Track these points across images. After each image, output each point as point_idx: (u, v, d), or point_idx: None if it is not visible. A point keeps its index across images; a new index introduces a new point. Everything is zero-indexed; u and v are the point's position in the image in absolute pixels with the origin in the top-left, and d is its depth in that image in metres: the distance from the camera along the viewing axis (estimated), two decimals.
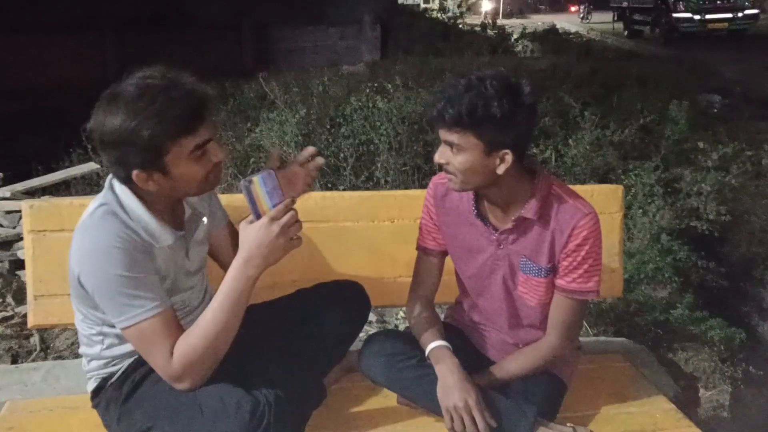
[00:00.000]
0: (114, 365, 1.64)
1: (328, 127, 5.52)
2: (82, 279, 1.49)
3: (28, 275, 1.83)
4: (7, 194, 3.44)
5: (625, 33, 17.94)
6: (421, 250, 1.89)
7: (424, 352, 1.73)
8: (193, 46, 9.59)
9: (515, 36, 13.45)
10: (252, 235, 1.47)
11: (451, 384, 1.63)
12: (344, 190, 4.78)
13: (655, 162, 4.61)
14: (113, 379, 1.64)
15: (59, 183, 3.75)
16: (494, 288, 1.81)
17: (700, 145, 4.91)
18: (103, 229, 1.49)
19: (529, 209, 1.69)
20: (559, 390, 1.79)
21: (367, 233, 2.05)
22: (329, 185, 5.06)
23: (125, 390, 1.61)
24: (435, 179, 1.86)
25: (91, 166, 4.16)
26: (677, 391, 2.46)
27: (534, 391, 1.72)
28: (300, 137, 5.29)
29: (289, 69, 8.07)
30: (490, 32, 13.30)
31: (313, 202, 2.00)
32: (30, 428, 1.70)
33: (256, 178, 1.46)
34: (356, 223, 2.04)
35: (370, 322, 3.08)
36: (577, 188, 2.21)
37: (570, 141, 4.87)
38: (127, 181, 1.51)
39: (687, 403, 2.49)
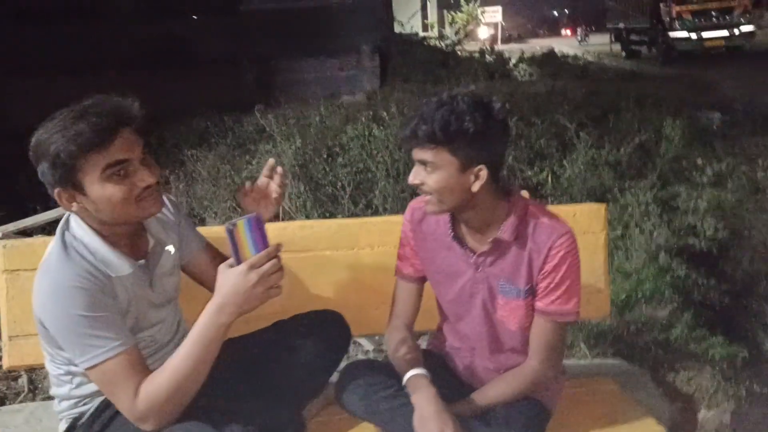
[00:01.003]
0: (84, 404, 1.62)
1: (325, 156, 5.54)
2: (44, 320, 1.49)
3: (2, 316, 1.83)
4: (12, 228, 3.46)
5: (623, 54, 18.04)
6: (400, 276, 1.87)
7: (401, 381, 1.70)
8: (193, 82, 9.70)
9: (513, 61, 13.52)
10: (229, 281, 1.45)
11: (427, 415, 1.59)
12: (342, 218, 4.78)
13: (651, 180, 4.60)
14: (83, 419, 1.62)
15: (52, 222, 3.76)
16: (474, 312, 1.78)
17: (699, 161, 4.89)
18: (61, 270, 1.48)
19: (505, 230, 1.67)
20: (541, 416, 1.75)
21: (347, 261, 2.04)
22: (327, 214, 5.06)
23: (95, 430, 1.59)
24: (412, 204, 1.85)
25: None
26: (673, 413, 2.42)
27: (515, 418, 1.68)
28: (297, 168, 5.31)
29: (289, 101, 8.13)
30: (488, 58, 13.37)
31: (291, 232, 2.00)
32: None
33: (241, 222, 1.43)
34: (336, 251, 2.03)
35: (367, 351, 3.04)
36: (560, 208, 2.21)
37: (565, 162, 4.86)
38: (60, 203, 1.50)
39: (683, 425, 2.44)
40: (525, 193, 1.85)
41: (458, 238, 1.74)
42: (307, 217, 4.98)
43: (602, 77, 11.23)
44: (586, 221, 2.12)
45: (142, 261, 1.62)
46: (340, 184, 5.11)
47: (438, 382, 1.77)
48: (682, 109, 6.67)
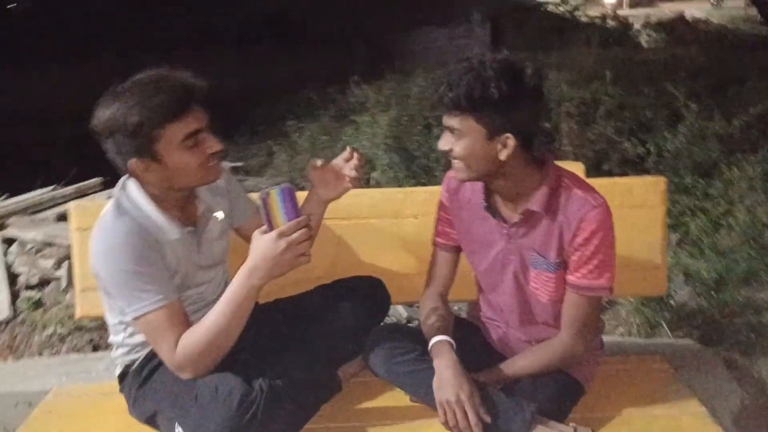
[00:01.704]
0: (136, 352, 1.77)
1: (421, 128, 5.54)
2: (99, 273, 1.63)
3: (75, 270, 2.01)
4: (105, 198, 3.76)
5: (759, 18, 16.56)
6: (436, 245, 1.88)
7: (427, 348, 1.72)
8: (306, 57, 9.92)
9: (637, 26, 12.79)
10: (260, 246, 1.53)
11: (445, 378, 1.61)
12: None
13: (762, 155, 4.28)
14: (134, 366, 1.76)
15: None
16: (506, 283, 1.77)
17: None
18: (114, 228, 1.61)
19: (536, 201, 1.64)
20: (570, 390, 1.72)
21: (391, 230, 2.06)
22: (421, 185, 5.08)
23: (143, 376, 1.73)
24: (449, 173, 1.84)
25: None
26: (742, 399, 2.28)
27: (541, 389, 1.66)
28: (390, 139, 5.36)
29: (399, 72, 8.16)
30: (610, 23, 12.71)
31: (337, 200, 2.04)
32: (66, 412, 1.86)
33: (273, 191, 1.50)
34: (380, 219, 2.06)
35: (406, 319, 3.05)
36: (616, 181, 2.13)
37: (666, 134, 4.61)
38: (130, 173, 1.63)
39: (753, 413, 2.30)
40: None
41: (491, 208, 1.72)
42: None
43: (730, 43, 10.41)
44: (643, 194, 2.03)
45: (191, 228, 1.73)
46: (434, 155, 5.10)
47: (470, 350, 1.78)
48: None
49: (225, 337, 1.60)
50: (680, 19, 14.61)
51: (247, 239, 1.90)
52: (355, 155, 1.79)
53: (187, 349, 1.59)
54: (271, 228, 1.52)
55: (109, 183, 4.04)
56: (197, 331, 1.59)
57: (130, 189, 1.67)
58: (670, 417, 1.72)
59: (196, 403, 1.56)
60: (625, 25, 12.89)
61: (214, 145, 1.63)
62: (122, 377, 1.80)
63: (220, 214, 1.80)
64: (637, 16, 15.56)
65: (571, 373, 1.74)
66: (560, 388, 1.70)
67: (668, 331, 3.11)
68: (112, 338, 1.81)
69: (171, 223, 1.66)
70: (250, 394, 1.54)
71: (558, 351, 1.70)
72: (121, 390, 1.80)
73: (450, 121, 1.59)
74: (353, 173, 1.79)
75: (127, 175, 1.66)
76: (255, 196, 1.91)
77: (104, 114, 1.56)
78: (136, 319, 1.61)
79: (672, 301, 3.33)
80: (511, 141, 1.57)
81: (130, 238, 1.59)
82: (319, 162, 1.81)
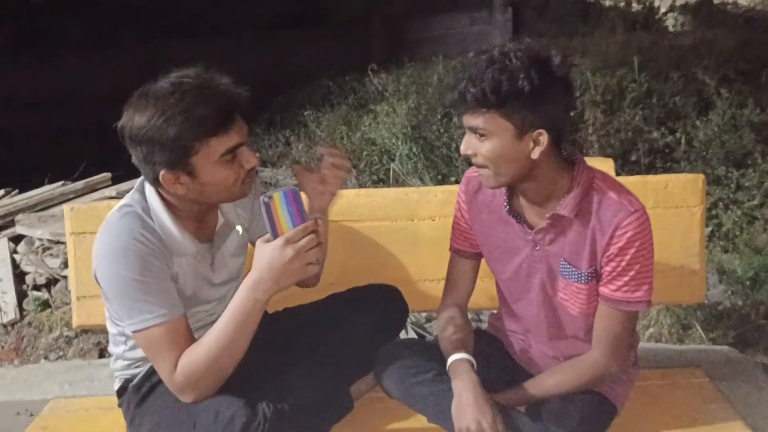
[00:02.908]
0: (137, 367, 1.65)
1: (440, 117, 5.39)
2: (98, 276, 1.51)
3: (71, 277, 1.90)
4: (113, 194, 3.67)
5: None
6: (454, 251, 1.74)
7: (444, 364, 1.59)
8: (324, 45, 9.78)
9: (663, 9, 12.48)
10: (265, 256, 1.39)
11: (465, 403, 1.47)
12: (456, 181, 4.65)
13: None
14: (135, 381, 1.65)
15: None
16: (532, 293, 1.62)
17: None
18: (120, 230, 1.49)
19: (566, 206, 1.49)
20: (603, 412, 1.58)
21: (406, 233, 1.93)
22: (440, 177, 4.95)
23: (141, 393, 1.62)
24: (468, 173, 1.70)
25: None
26: None
27: (571, 412, 1.52)
28: (409, 129, 5.22)
29: (418, 59, 8.00)
30: (635, 6, 12.42)
31: (347, 200, 1.91)
32: (61, 428, 1.76)
33: (277, 194, 1.36)
34: (394, 222, 1.92)
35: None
36: (650, 178, 1.97)
37: (696, 122, 4.41)
38: (155, 182, 1.49)
39: None
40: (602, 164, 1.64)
41: (515, 212, 1.58)
42: (420, 179, 4.90)
43: (761, 26, 10.08)
44: (679, 194, 1.87)
45: (206, 243, 1.60)
46: (454, 145, 4.95)
47: (492, 367, 1.65)
48: None
49: (228, 356, 1.46)
50: (707, 1, 14.26)
51: None
52: (329, 154, 1.66)
53: (186, 371, 1.46)
54: (275, 235, 1.38)
55: (118, 178, 3.95)
56: (197, 350, 1.46)
57: (148, 192, 1.54)
58: None
59: (194, 430, 1.44)
60: (650, 8, 12.60)
61: (252, 159, 1.49)
62: (121, 392, 1.69)
63: (240, 229, 1.67)
64: None
65: (603, 392, 1.59)
66: (591, 411, 1.55)
67: (702, 334, 2.96)
68: (112, 348, 1.70)
69: (185, 237, 1.54)
70: (254, 420, 1.41)
71: (589, 369, 1.55)
72: (120, 405, 1.69)
73: (473, 120, 1.44)
74: (333, 180, 1.65)
75: (149, 182, 1.53)
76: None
77: (138, 119, 1.41)
78: (135, 332, 1.48)
79: (705, 301, 3.18)
80: (543, 137, 1.42)
81: (137, 243, 1.47)
82: (297, 166, 1.68)
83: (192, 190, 1.48)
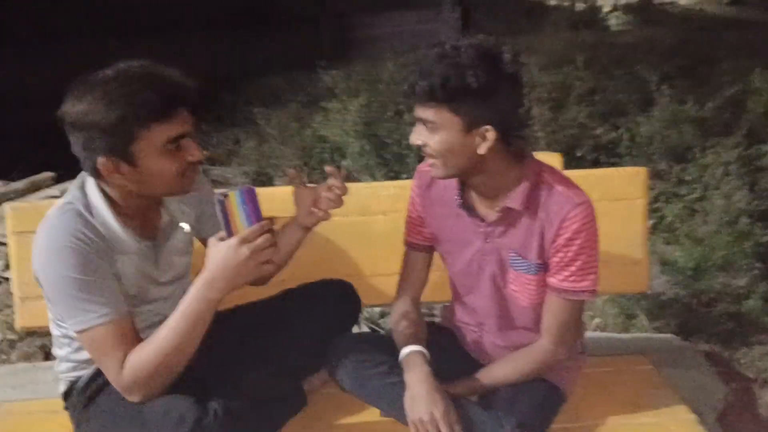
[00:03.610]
0: (82, 369, 1.62)
1: (392, 114, 5.41)
2: (38, 276, 1.47)
3: (13, 278, 1.85)
4: (57, 193, 3.58)
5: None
6: (407, 244, 1.76)
7: (398, 357, 1.60)
8: (272, 42, 9.70)
9: (606, 9, 12.78)
10: (219, 254, 1.38)
11: (417, 394, 1.49)
12: (408, 178, 4.67)
13: (737, 138, 4.22)
14: (80, 383, 1.61)
15: None
16: (483, 285, 1.65)
17: None
18: (60, 228, 1.45)
19: (515, 199, 1.53)
20: (552, 399, 1.62)
21: (358, 228, 1.94)
22: (392, 174, 4.97)
23: (88, 395, 1.59)
24: (420, 167, 1.72)
25: None
26: (727, 395, 2.22)
27: (521, 400, 1.56)
28: (360, 126, 5.22)
29: (367, 57, 8.00)
30: (578, 6, 12.70)
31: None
32: None
33: (233, 193, 1.36)
34: (346, 217, 1.92)
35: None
36: (595, 172, 2.03)
37: (639, 118, 4.54)
38: (95, 173, 1.46)
39: (739, 407, 2.24)
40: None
41: (467, 206, 1.60)
42: (372, 176, 4.91)
43: (698, 25, 10.43)
44: (623, 186, 1.94)
45: (149, 242, 1.57)
46: (405, 142, 4.97)
47: (445, 358, 1.67)
48: None
49: (178, 355, 1.44)
50: (647, 1, 14.64)
51: None
52: (333, 175, 1.61)
53: (135, 370, 1.43)
54: (230, 234, 1.37)
55: (62, 177, 3.85)
56: (146, 348, 1.44)
57: (89, 188, 1.50)
58: (657, 425, 1.63)
59: (142, 430, 1.42)
60: (593, 8, 12.90)
61: (196, 153, 1.47)
62: (67, 395, 1.65)
63: (186, 227, 1.64)
64: None
65: (551, 380, 1.64)
66: (541, 398, 1.60)
67: (646, 323, 3.05)
68: (56, 351, 1.66)
69: (127, 234, 1.50)
70: (204, 418, 1.40)
71: (538, 358, 1.60)
72: (66, 408, 1.65)
73: (423, 113, 1.46)
74: (331, 198, 1.61)
75: (87, 172, 1.49)
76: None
77: (79, 104, 1.39)
78: (79, 333, 1.45)
79: (648, 291, 3.27)
80: (491, 133, 1.45)
81: (77, 241, 1.43)
82: (291, 171, 1.66)
83: (131, 181, 1.45)
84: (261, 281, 1.74)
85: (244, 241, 1.36)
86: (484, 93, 1.41)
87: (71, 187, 1.53)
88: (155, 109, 1.38)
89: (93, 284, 1.43)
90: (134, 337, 1.47)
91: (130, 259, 1.53)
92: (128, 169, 1.43)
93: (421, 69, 1.44)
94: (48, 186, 3.95)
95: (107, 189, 1.49)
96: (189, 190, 1.54)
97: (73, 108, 1.40)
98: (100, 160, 1.41)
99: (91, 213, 1.48)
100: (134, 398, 1.46)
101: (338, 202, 1.62)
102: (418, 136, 1.51)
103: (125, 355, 1.44)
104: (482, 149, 1.46)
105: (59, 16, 8.52)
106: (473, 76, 1.39)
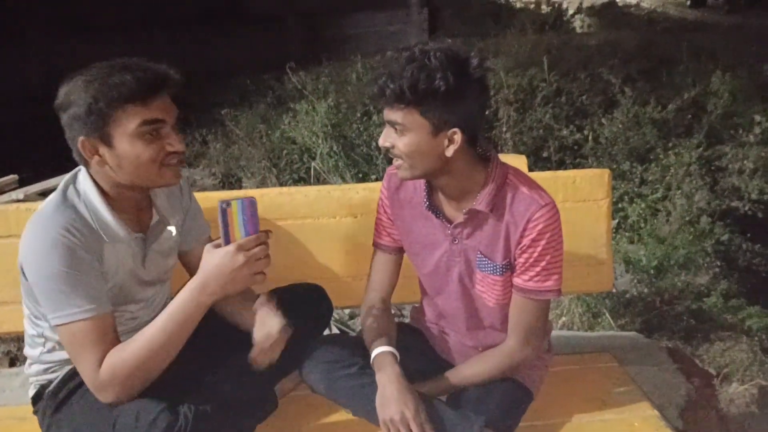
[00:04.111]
0: (53, 371, 1.61)
1: (360, 115, 5.43)
2: (25, 269, 1.47)
3: None
4: (21, 196, 3.51)
5: (688, 2, 17.08)
6: (377, 246, 1.78)
7: (368, 358, 1.62)
8: (240, 41, 9.65)
9: (571, 11, 12.95)
10: (215, 260, 1.40)
11: (388, 394, 1.51)
12: (376, 179, 4.69)
13: (697, 139, 4.33)
14: (51, 387, 1.60)
15: None
16: (451, 286, 1.68)
17: (756, 118, 4.55)
18: (52, 221, 1.45)
19: (481, 201, 1.55)
20: (519, 398, 1.65)
21: (328, 230, 1.95)
22: (360, 174, 4.98)
23: (59, 398, 1.57)
24: (390, 169, 1.74)
25: None
26: (689, 391, 2.28)
27: (489, 399, 1.59)
28: (329, 127, 5.23)
29: (336, 58, 8.00)
30: (544, 8, 12.84)
31: (269, 198, 1.92)
32: None
33: (235, 203, 1.40)
34: (317, 220, 1.94)
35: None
36: (560, 174, 2.07)
37: (603, 120, 4.62)
38: (79, 156, 1.48)
39: (701, 403, 2.30)
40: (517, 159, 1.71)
41: (434, 208, 1.63)
42: (341, 177, 4.92)
43: (660, 27, 10.64)
44: (587, 188, 1.98)
45: (140, 234, 1.58)
46: (374, 143, 4.99)
47: (414, 358, 1.70)
48: (740, 62, 6.22)
49: (160, 357, 1.45)
50: (611, 3, 14.88)
51: (187, 266, 1.76)
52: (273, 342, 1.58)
53: (114, 368, 1.43)
54: (227, 242, 1.41)
55: (25, 180, 3.78)
56: (130, 347, 1.44)
57: (81, 179, 1.52)
58: (622, 421, 1.68)
59: None
60: (559, 10, 13.06)
61: (174, 143, 1.48)
62: (36, 399, 1.64)
63: (173, 229, 1.65)
64: (569, 1, 15.75)
65: (519, 379, 1.67)
66: (508, 396, 1.63)
67: (611, 321, 3.11)
68: (28, 351, 1.64)
69: (117, 223, 1.51)
70: (175, 424, 1.40)
71: (506, 357, 1.63)
72: (35, 413, 1.64)
73: (392, 115, 1.48)
74: (263, 346, 1.58)
75: (75, 157, 1.50)
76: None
77: (65, 88, 1.44)
78: (59, 326, 1.44)
79: (614, 290, 3.34)
80: (458, 136, 1.47)
81: (68, 236, 1.44)
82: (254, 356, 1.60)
83: (111, 165, 1.46)
84: (249, 298, 1.73)
85: (241, 248, 1.39)
86: (452, 96, 1.43)
87: (65, 178, 1.54)
88: (131, 90, 1.41)
89: (79, 279, 1.44)
90: (114, 337, 1.48)
91: (117, 250, 1.53)
92: (106, 151, 1.45)
93: (390, 71, 1.46)
94: (12, 189, 3.88)
95: (98, 180, 1.51)
96: (172, 183, 1.55)
97: (60, 92, 1.45)
98: (80, 140, 1.44)
99: (83, 202, 1.50)
100: (107, 398, 1.45)
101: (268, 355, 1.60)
102: (386, 138, 1.53)
103: (104, 353, 1.44)
104: (449, 151, 1.49)
105: (15, 16, 8.36)
106: (442, 80, 1.42)
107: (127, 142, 1.44)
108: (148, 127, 1.44)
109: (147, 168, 1.47)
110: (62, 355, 1.57)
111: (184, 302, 1.43)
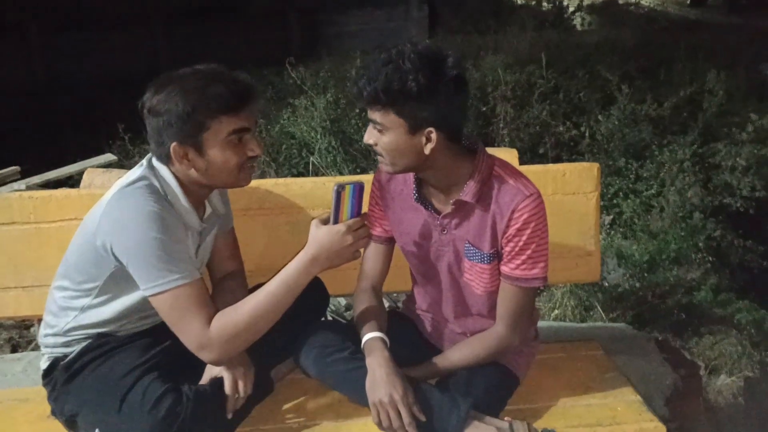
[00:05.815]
0: (69, 346, 1.67)
1: (358, 111, 5.47)
2: (116, 247, 1.52)
3: None
4: (23, 187, 3.56)
5: (688, 1, 17.09)
6: (369, 237, 1.82)
7: (360, 344, 1.67)
8: (240, 36, 9.67)
9: (572, 9, 12.97)
10: (327, 236, 1.53)
11: (378, 377, 1.56)
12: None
13: (692, 137, 4.37)
14: (66, 360, 1.66)
15: (76, 175, 3.85)
16: (440, 275, 1.73)
17: (752, 117, 4.60)
18: (141, 197, 1.54)
19: (467, 192, 1.60)
20: (506, 382, 1.71)
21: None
22: (358, 170, 5.03)
23: (72, 371, 1.63)
24: None
25: (108, 157, 4.25)
26: (675, 381, 2.32)
27: (476, 383, 1.64)
28: (328, 122, 5.27)
29: (335, 54, 8.04)
30: (545, 6, 12.86)
31: (265, 189, 1.97)
32: None
33: (349, 187, 1.53)
34: (312, 211, 1.99)
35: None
36: (550, 167, 2.12)
37: (600, 117, 4.66)
38: (166, 158, 1.57)
39: (687, 393, 2.35)
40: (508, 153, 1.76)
41: (423, 199, 1.68)
42: (340, 173, 4.96)
43: (659, 26, 10.66)
44: (576, 181, 2.02)
45: (204, 224, 1.69)
46: None
47: (405, 345, 1.74)
48: (737, 62, 6.26)
49: (267, 319, 1.55)
50: (612, 1, 14.89)
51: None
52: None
53: (224, 327, 1.52)
54: (336, 221, 1.54)
55: (26, 172, 3.83)
56: (241, 308, 1.54)
57: (161, 169, 1.60)
58: (605, 406, 1.72)
59: (120, 409, 1.49)
60: (559, 7, 13.07)
61: (256, 148, 1.59)
62: (49, 371, 1.70)
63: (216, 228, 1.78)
64: None
65: (506, 364, 1.72)
66: (495, 381, 1.68)
67: (602, 314, 3.16)
68: (51, 319, 1.70)
69: (193, 213, 1.62)
70: (178, 404, 1.47)
71: (493, 343, 1.68)
72: (45, 385, 1.69)
73: (372, 114, 1.55)
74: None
75: (159, 158, 1.59)
76: None
77: (159, 94, 1.52)
78: (161, 294, 1.50)
79: (605, 283, 3.39)
80: (434, 135, 1.53)
81: (160, 208, 1.53)
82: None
83: (197, 168, 1.57)
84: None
85: (350, 228, 1.54)
86: (425, 97, 1.48)
87: (139, 169, 1.62)
88: (225, 102, 1.51)
89: (177, 247, 1.53)
90: (210, 301, 1.56)
91: (191, 237, 1.63)
92: (195, 156, 1.55)
93: (367, 73, 1.51)
94: (14, 180, 3.93)
95: (178, 176, 1.60)
96: (247, 184, 1.66)
97: (152, 97, 1.53)
98: (173, 145, 1.53)
99: (163, 189, 1.59)
100: (210, 356, 1.53)
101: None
102: (369, 136, 1.60)
103: (209, 314, 1.52)
104: (427, 149, 1.54)
105: (16, 11, 8.39)
106: (413, 81, 1.46)
107: (218, 149, 1.55)
108: (236, 136, 1.55)
109: (231, 171, 1.58)
110: (83, 332, 1.65)
111: (297, 271, 1.55)
